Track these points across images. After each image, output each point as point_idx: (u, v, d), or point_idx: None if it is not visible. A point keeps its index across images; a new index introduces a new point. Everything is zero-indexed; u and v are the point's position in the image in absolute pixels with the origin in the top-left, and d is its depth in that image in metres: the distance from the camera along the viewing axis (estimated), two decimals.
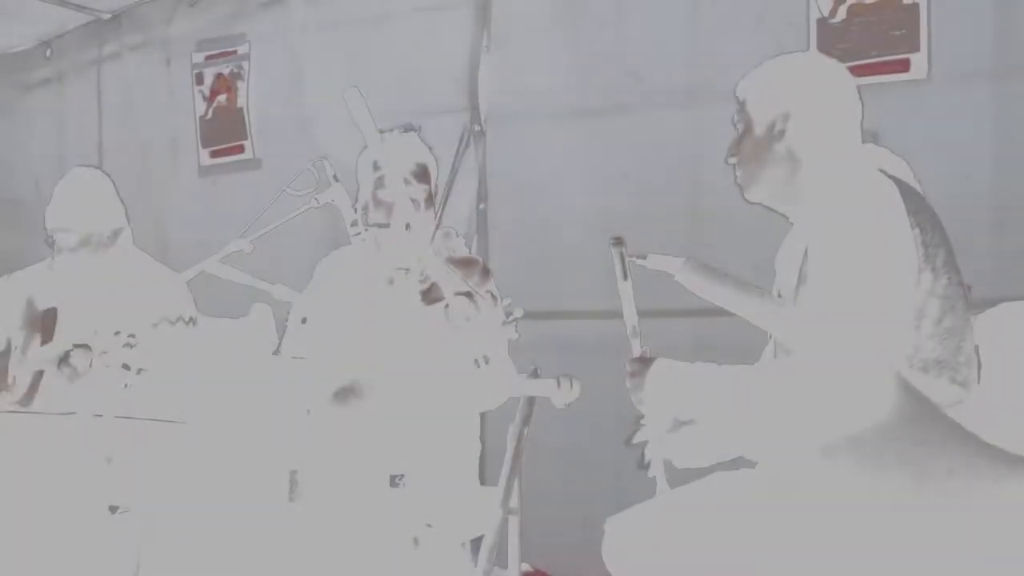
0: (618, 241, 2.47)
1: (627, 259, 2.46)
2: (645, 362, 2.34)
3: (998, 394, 2.23)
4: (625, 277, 2.47)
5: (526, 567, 3.24)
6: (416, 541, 2.80)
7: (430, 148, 3.20)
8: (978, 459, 1.86)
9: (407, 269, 2.83)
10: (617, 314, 4.04)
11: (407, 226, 2.36)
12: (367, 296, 3.07)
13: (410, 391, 2.76)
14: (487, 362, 2.23)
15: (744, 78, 2.47)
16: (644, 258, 2.42)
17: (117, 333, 2.53)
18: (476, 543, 3.17)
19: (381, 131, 2.98)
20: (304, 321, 2.70)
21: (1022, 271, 3.19)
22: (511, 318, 2.37)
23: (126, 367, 2.57)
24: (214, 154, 5.40)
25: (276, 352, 2.60)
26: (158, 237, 5.25)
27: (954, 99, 3.44)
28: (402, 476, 2.49)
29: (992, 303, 2.46)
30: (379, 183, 3.05)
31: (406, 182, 3.02)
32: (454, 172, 2.85)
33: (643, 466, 2.52)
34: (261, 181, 5.12)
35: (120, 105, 5.78)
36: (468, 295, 2.46)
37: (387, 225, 2.96)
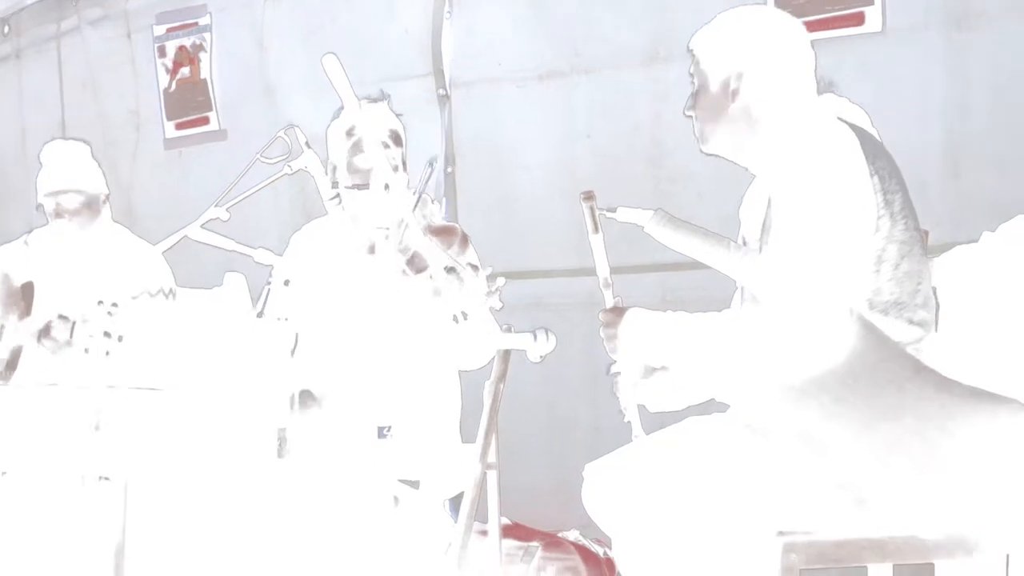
0: (588, 195, 2.52)
1: (597, 213, 2.51)
2: (618, 312, 2.40)
3: (955, 333, 2.33)
4: (596, 230, 2.52)
5: (505, 521, 3.32)
6: (396, 500, 2.87)
7: (399, 116, 3.27)
8: (938, 393, 1.96)
9: (387, 229, 2.88)
10: (584, 272, 4.12)
11: (386, 187, 2.41)
12: (347, 263, 3.13)
13: (392, 346, 2.82)
14: (465, 318, 2.29)
15: (698, 32, 2.50)
16: (614, 211, 2.48)
17: (100, 303, 2.57)
18: (454, 501, 3.26)
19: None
20: (287, 283, 2.75)
21: (975, 216, 3.27)
22: (494, 288, 2.43)
23: (107, 334, 2.60)
24: (179, 126, 5.40)
25: (260, 314, 2.65)
26: (125, 210, 5.25)
27: (908, 51, 3.51)
28: (389, 428, 2.55)
29: (947, 247, 2.54)
30: (354, 150, 3.12)
31: (385, 145, 3.09)
32: (419, 194, 2.93)
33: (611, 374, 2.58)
34: (227, 152, 5.12)
35: (81, 80, 5.74)
36: (452, 269, 2.52)
37: (366, 186, 3.03)
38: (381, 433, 2.54)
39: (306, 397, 2.79)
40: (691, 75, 2.50)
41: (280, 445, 2.34)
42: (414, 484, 2.91)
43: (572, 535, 3.96)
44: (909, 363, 2.04)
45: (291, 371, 2.44)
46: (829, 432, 2.02)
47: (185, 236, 3.04)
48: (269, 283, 2.69)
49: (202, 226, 3.04)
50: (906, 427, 1.95)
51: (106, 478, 2.73)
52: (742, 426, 2.25)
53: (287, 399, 2.48)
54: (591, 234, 2.53)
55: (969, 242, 2.54)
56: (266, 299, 2.66)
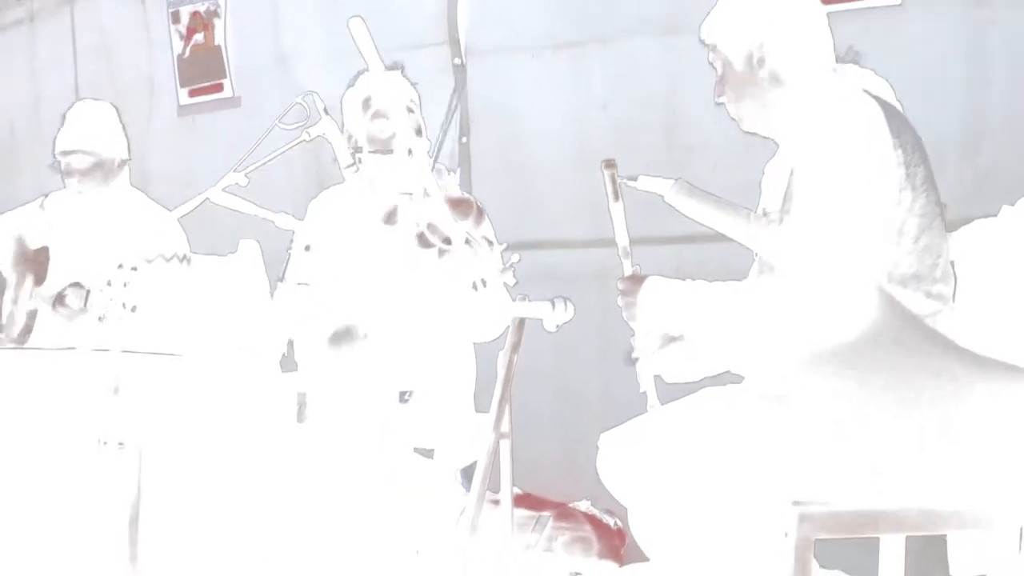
0: (609, 163, 2.52)
1: (618, 181, 2.51)
2: (637, 280, 2.40)
3: (973, 306, 2.33)
4: (616, 198, 2.52)
5: (516, 491, 3.35)
6: (407, 469, 2.89)
7: (414, 84, 3.28)
8: (957, 363, 1.96)
9: (411, 195, 2.89)
10: (598, 243, 4.12)
11: (409, 151, 2.43)
12: (367, 230, 3.14)
13: (412, 313, 2.83)
14: (485, 285, 2.30)
15: (706, 22, 2.50)
16: (635, 180, 2.48)
17: (120, 266, 2.58)
18: (466, 471, 3.27)
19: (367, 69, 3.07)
20: (307, 249, 2.76)
21: (992, 191, 3.27)
22: (508, 264, 2.43)
23: (123, 305, 2.62)
24: (193, 93, 5.39)
25: (281, 279, 2.66)
26: (138, 176, 5.24)
27: (927, 24, 3.49)
28: (411, 392, 2.56)
29: (964, 222, 2.54)
30: (373, 117, 3.13)
31: (409, 110, 3.11)
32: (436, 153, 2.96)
33: (631, 361, 2.58)
34: (241, 119, 5.13)
35: (95, 46, 5.73)
36: (465, 242, 2.53)
37: (390, 151, 3.04)
38: (402, 398, 2.55)
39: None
40: (711, 63, 2.50)
41: (300, 409, 2.36)
42: (427, 453, 2.93)
43: (583, 505, 3.98)
44: (928, 334, 2.05)
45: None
46: (847, 400, 2.02)
47: (206, 200, 3.05)
48: (290, 250, 2.70)
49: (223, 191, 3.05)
50: (924, 396, 1.96)
51: (122, 444, 2.75)
52: (758, 395, 2.25)
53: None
54: (611, 202, 2.53)
55: (987, 216, 2.54)
56: (287, 264, 2.68)
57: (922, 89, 3.38)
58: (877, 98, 2.25)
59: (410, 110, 3.15)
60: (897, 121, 2.22)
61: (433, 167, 3.11)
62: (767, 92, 2.41)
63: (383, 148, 3.08)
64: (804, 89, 2.36)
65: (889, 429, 2.00)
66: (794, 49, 2.39)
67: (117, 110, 3.85)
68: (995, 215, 2.56)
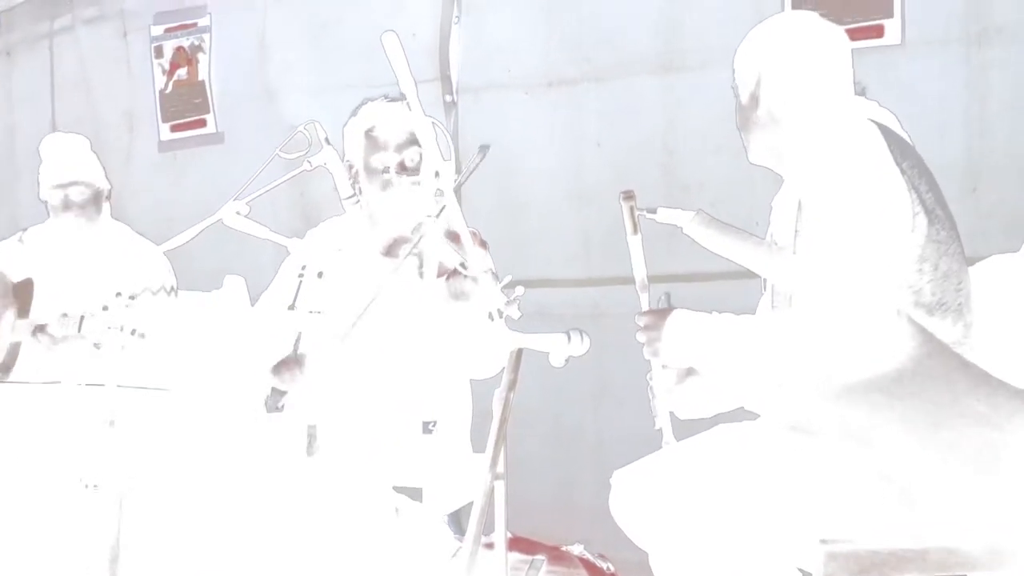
0: (628, 195, 2.47)
1: (637, 213, 2.47)
2: (661, 314, 2.33)
3: (993, 341, 2.30)
4: (635, 231, 2.47)
5: (508, 534, 3.27)
6: (397, 511, 2.81)
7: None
8: (994, 394, 1.93)
9: (433, 217, 2.83)
10: (590, 282, 4.08)
11: (436, 173, 2.39)
12: (368, 263, 3.08)
13: (425, 344, 2.76)
14: (501, 316, 2.24)
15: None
16: (654, 212, 2.44)
17: (118, 295, 2.52)
18: (453, 516, 3.19)
19: (370, 99, 3.03)
20: (320, 276, 2.70)
21: (994, 229, 3.28)
22: (513, 297, 2.38)
23: (122, 328, 2.55)
24: (175, 128, 5.31)
25: (292, 306, 2.60)
26: (117, 211, 5.17)
27: (927, 64, 3.52)
28: (435, 422, 2.49)
29: (967, 261, 2.52)
30: (387, 149, 3.07)
31: (434, 125, 3.06)
32: (466, 176, 2.90)
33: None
34: (223, 155, 5.07)
35: (74, 80, 5.65)
36: (470, 276, 2.48)
37: (416, 171, 2.98)
38: (426, 428, 2.48)
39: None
40: (732, 88, 2.50)
41: (310, 443, 2.29)
42: (415, 494, 2.86)
43: (576, 549, 3.90)
44: (960, 362, 2.02)
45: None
46: (877, 431, 1.98)
47: (210, 226, 2.99)
48: (301, 275, 2.64)
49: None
50: (963, 427, 1.92)
51: (103, 483, 2.66)
52: (786, 428, 2.20)
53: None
54: (629, 235, 2.48)
55: (988, 256, 2.52)
56: (297, 291, 2.61)
57: (922, 128, 3.36)
58: (879, 124, 2.22)
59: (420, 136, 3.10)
60: (900, 146, 2.21)
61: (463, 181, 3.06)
62: (764, 127, 2.40)
63: (412, 170, 3.01)
64: (805, 125, 2.34)
65: (928, 457, 1.96)
66: (790, 89, 2.37)
67: (90, 143, 3.78)
68: (998, 252, 2.54)
